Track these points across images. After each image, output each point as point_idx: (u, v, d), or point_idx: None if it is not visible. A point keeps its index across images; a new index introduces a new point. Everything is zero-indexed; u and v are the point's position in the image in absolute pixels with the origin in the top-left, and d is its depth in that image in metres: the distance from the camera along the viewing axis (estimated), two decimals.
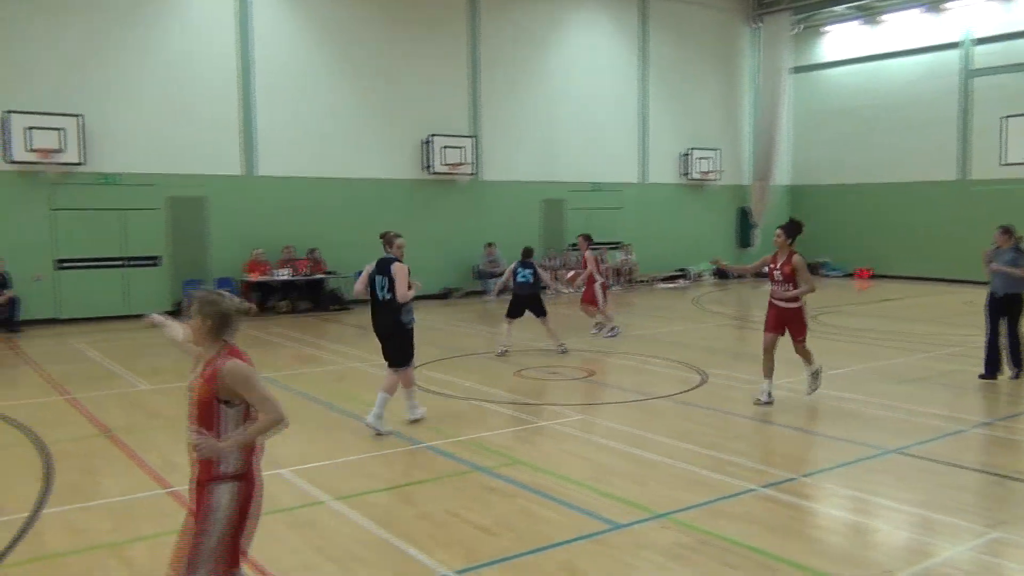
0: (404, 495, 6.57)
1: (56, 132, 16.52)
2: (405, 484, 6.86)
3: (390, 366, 8.65)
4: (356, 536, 5.75)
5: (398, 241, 8.63)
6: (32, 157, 16.36)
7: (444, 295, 21.24)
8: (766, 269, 9.60)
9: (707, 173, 26.72)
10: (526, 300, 13.00)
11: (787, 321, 9.39)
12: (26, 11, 16.60)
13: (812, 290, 9.20)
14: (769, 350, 9.48)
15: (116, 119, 17.50)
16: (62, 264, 17.25)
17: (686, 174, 26.57)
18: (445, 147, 21.35)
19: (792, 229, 9.32)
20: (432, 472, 7.16)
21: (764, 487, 6.66)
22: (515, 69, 23.02)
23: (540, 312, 13.01)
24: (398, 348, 8.61)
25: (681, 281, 25.58)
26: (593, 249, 14.93)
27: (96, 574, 5.19)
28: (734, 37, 28.01)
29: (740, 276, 26.00)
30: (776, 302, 9.43)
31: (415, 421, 8.74)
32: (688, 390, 10.40)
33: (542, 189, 23.60)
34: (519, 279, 13.03)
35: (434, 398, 10.05)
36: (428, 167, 21.38)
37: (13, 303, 16.22)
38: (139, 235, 17.90)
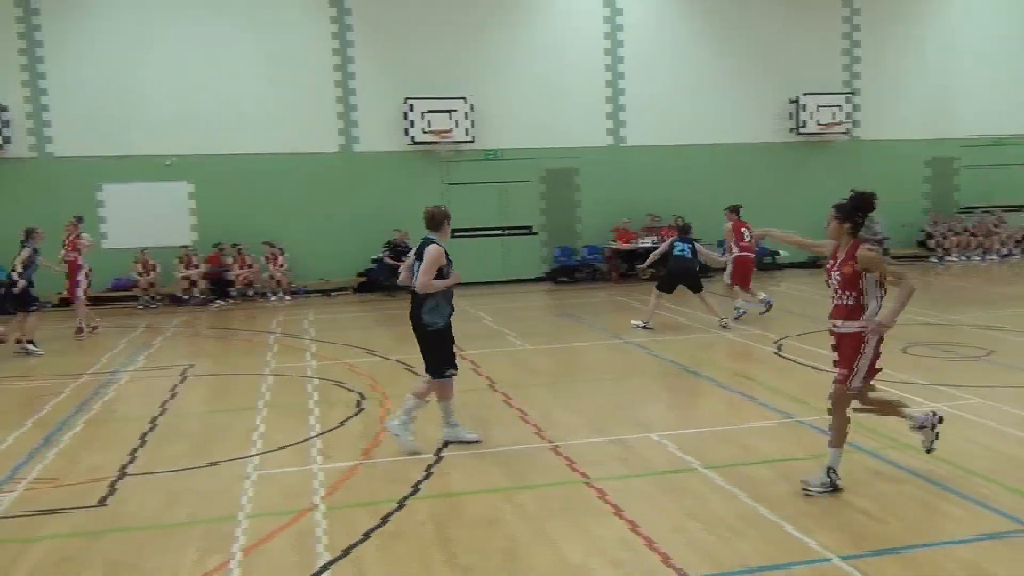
0: (779, 470, 6.34)
1: (448, 114, 18.32)
2: (780, 459, 6.61)
3: (425, 371, 7.24)
4: (729, 506, 5.67)
5: (446, 225, 7.46)
6: (429, 138, 18.32)
7: (813, 264, 20.15)
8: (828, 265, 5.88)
9: None
10: (682, 275, 12.76)
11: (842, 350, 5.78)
12: (420, 10, 18.56)
13: (910, 292, 5.44)
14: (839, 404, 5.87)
15: (498, 99, 18.97)
16: (453, 234, 19.09)
17: None
18: (817, 105, 20.14)
19: (850, 209, 5.63)
20: (808, 449, 6.82)
21: None
22: (901, 14, 20.94)
23: (696, 288, 12.76)
24: (424, 351, 7.15)
25: None
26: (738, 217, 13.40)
27: (492, 514, 5.69)
28: None
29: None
30: (835, 323, 5.78)
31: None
32: None
33: (929, 146, 21.33)
34: (676, 252, 12.79)
35: (808, 372, 9.62)
36: (798, 128, 20.35)
37: None
38: (517, 206, 19.29)
